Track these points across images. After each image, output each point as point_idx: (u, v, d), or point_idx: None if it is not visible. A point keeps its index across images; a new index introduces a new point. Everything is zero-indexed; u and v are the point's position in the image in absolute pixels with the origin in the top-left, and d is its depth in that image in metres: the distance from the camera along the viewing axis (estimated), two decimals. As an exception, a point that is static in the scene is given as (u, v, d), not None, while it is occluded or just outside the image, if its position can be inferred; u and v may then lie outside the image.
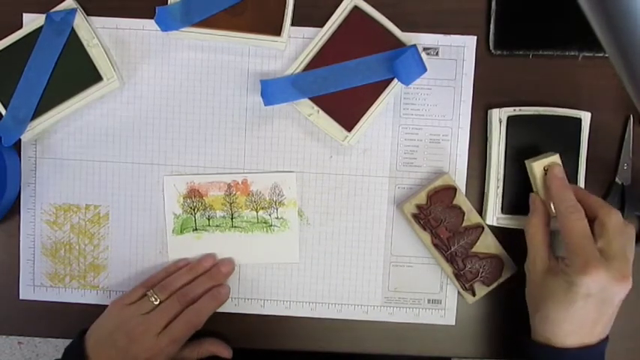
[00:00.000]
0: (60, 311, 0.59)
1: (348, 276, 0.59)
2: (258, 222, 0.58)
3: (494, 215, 0.57)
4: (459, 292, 0.58)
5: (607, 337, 0.51)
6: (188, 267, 0.57)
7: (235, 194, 0.57)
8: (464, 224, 0.56)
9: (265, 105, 0.55)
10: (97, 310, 0.56)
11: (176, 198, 0.58)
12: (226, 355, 0.57)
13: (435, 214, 0.56)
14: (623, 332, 0.59)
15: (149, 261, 0.59)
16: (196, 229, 0.58)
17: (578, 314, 0.48)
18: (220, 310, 0.59)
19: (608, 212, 0.49)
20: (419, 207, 0.56)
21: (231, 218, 0.58)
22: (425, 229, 0.56)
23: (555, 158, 0.53)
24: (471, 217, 0.56)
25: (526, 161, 0.54)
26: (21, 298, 0.60)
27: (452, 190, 0.56)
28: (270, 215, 0.58)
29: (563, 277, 0.48)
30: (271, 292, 0.59)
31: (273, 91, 0.55)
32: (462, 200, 0.56)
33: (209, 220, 0.58)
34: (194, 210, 0.58)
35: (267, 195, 0.57)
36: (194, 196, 0.58)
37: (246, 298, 0.59)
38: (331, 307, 0.59)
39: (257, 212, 0.58)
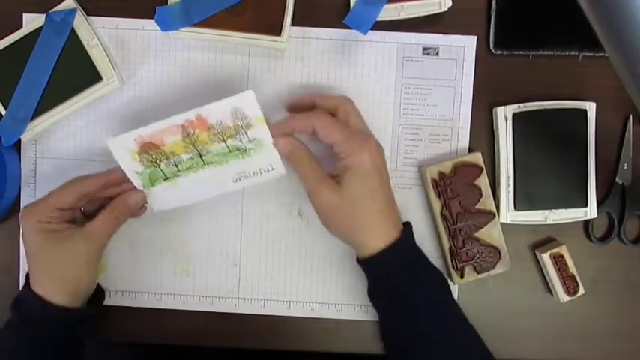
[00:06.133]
0: (60, 311, 0.59)
1: (348, 276, 0.59)
2: (230, 151, 0.53)
3: (507, 213, 0.56)
4: (447, 270, 0.57)
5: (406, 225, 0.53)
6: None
7: (195, 133, 0.52)
8: (477, 206, 0.56)
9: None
10: (97, 310, 0.56)
11: (130, 156, 0.53)
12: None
13: (455, 187, 0.56)
14: (623, 332, 0.59)
15: (149, 261, 0.59)
16: (167, 179, 0.54)
17: (380, 200, 0.50)
18: (220, 310, 0.59)
19: (344, 101, 0.52)
20: (441, 174, 0.56)
21: (201, 157, 0.53)
22: (439, 198, 0.56)
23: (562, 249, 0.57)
24: (487, 203, 0.56)
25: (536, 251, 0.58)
26: (21, 298, 0.60)
27: (478, 169, 0.56)
28: (241, 141, 0.53)
29: (343, 173, 0.50)
30: (271, 292, 0.59)
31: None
32: (483, 183, 0.56)
33: (177, 166, 0.53)
34: (156, 162, 0.53)
35: (231, 122, 0.52)
36: (149, 149, 0.52)
37: (246, 298, 0.59)
38: (331, 307, 0.59)
39: (225, 142, 0.53)
